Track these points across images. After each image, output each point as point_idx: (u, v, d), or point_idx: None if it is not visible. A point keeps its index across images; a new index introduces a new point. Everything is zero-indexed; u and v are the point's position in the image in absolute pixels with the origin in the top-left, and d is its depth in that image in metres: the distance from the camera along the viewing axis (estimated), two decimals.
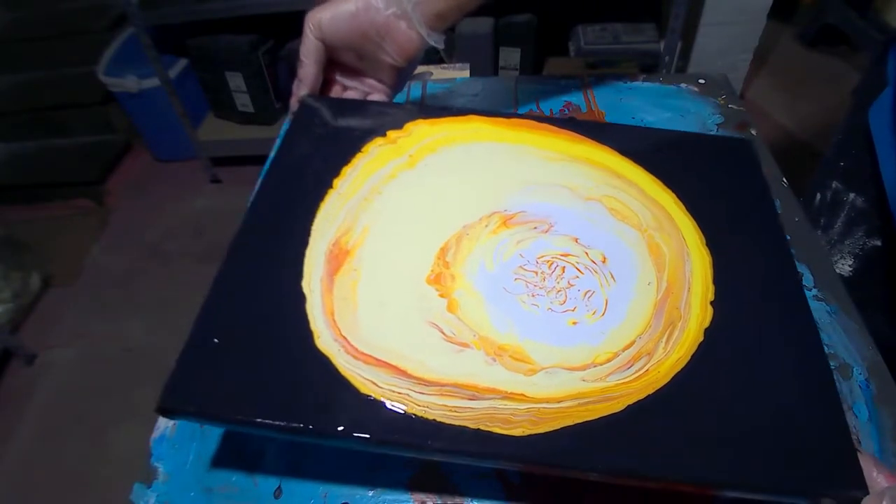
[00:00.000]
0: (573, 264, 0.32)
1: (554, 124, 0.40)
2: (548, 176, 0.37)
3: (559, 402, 0.27)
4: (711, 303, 0.30)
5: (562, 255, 0.33)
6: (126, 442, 1.06)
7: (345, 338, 0.29)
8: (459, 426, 0.26)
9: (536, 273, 0.32)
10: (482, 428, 0.26)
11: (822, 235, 0.54)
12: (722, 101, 0.53)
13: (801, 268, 0.39)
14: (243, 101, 1.51)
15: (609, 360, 0.28)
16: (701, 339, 0.29)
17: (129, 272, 1.40)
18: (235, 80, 1.45)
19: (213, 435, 0.33)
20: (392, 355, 0.28)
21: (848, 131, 0.53)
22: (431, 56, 0.44)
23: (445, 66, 0.64)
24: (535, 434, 0.25)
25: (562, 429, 0.26)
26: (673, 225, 0.34)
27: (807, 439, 0.25)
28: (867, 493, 0.23)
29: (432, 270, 0.32)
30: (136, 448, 0.74)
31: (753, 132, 0.49)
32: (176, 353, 0.28)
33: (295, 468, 0.31)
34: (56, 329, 1.29)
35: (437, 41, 0.41)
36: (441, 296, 0.31)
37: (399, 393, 0.27)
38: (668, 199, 0.36)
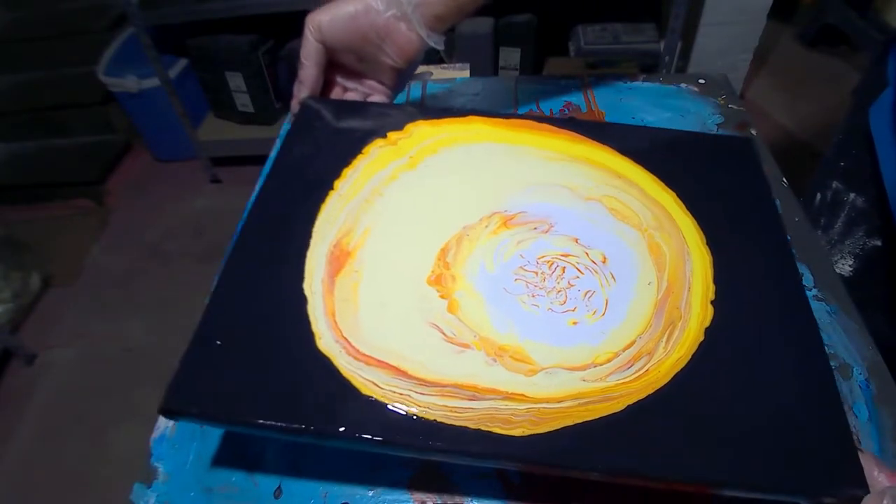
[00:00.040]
0: (573, 264, 0.32)
1: (554, 124, 0.40)
2: (548, 176, 0.37)
3: (559, 402, 0.27)
4: (712, 302, 0.30)
5: (562, 256, 0.33)
6: (126, 442, 1.06)
7: (346, 339, 0.29)
8: (460, 426, 0.26)
9: (537, 273, 0.32)
10: (483, 428, 0.26)
11: (822, 235, 0.54)
12: (722, 101, 0.53)
13: (801, 268, 0.39)
14: (243, 101, 1.51)
15: (609, 360, 0.28)
16: (701, 338, 0.29)
17: (129, 272, 1.41)
18: (235, 80, 1.45)
19: (213, 435, 0.33)
20: (393, 356, 0.28)
21: (848, 131, 0.53)
22: (431, 56, 0.44)
23: (445, 66, 0.64)
24: (536, 434, 0.25)
25: (562, 429, 0.26)
26: (673, 224, 0.34)
27: (807, 438, 0.25)
28: (868, 492, 0.23)
29: (433, 271, 0.32)
30: (136, 448, 0.74)
31: (753, 132, 0.49)
32: (176, 353, 0.28)
33: (295, 468, 0.31)
34: (56, 329, 1.29)
35: (436, 42, 0.41)
36: (442, 297, 0.31)
37: (400, 394, 0.27)
38: (668, 199, 0.36)
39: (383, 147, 0.38)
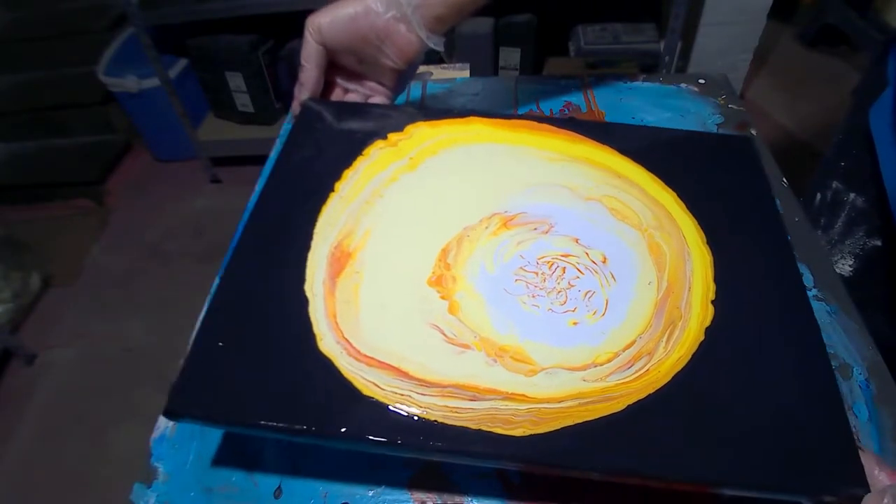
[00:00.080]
0: (573, 265, 0.32)
1: (554, 124, 0.40)
2: (548, 176, 0.37)
3: (560, 402, 0.27)
4: (712, 302, 0.30)
5: (562, 256, 0.33)
6: (126, 442, 1.06)
7: (347, 340, 0.29)
8: (461, 427, 0.26)
9: (537, 274, 0.32)
10: (483, 428, 0.26)
11: (822, 235, 0.54)
12: (722, 101, 0.53)
13: (801, 268, 0.39)
14: (243, 101, 1.51)
15: (609, 360, 0.28)
16: (702, 338, 0.29)
17: (129, 272, 1.41)
18: (235, 80, 1.45)
19: (213, 435, 0.33)
20: (394, 357, 0.28)
21: (848, 131, 0.53)
22: (431, 56, 0.44)
23: (445, 66, 0.64)
24: (536, 434, 0.26)
25: (562, 429, 0.26)
26: (673, 224, 0.34)
27: (808, 437, 0.25)
28: (868, 490, 0.23)
29: (433, 272, 0.32)
30: (136, 448, 0.74)
31: (753, 132, 0.49)
32: (176, 353, 0.28)
33: (295, 468, 0.31)
34: (56, 329, 1.29)
35: (436, 44, 0.41)
36: (442, 298, 0.31)
37: (401, 394, 0.27)
38: (668, 198, 0.36)
39: (384, 148, 0.38)
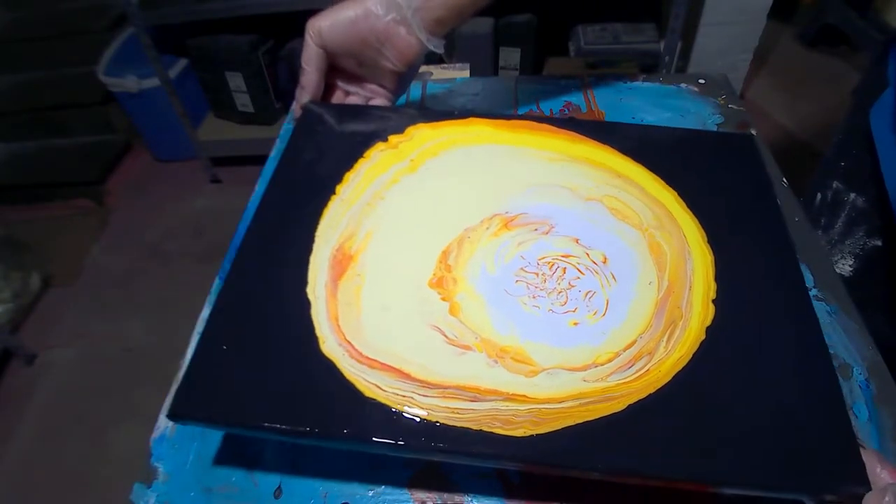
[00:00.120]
0: (574, 265, 0.32)
1: (554, 124, 0.40)
2: (548, 177, 0.37)
3: (560, 402, 0.27)
4: (713, 301, 0.30)
5: (563, 257, 0.33)
6: (126, 442, 1.06)
7: (349, 342, 0.29)
8: (462, 427, 0.26)
9: (537, 275, 0.32)
10: (484, 429, 0.26)
11: (822, 235, 0.54)
12: (722, 101, 0.53)
13: (802, 268, 0.39)
14: (243, 101, 1.51)
15: (610, 360, 0.28)
16: (702, 337, 0.29)
17: (129, 272, 1.41)
18: (235, 80, 1.45)
19: (213, 435, 0.33)
20: (395, 359, 0.28)
21: (848, 131, 0.53)
22: (431, 56, 0.44)
23: (445, 66, 0.64)
24: (537, 434, 0.26)
25: (563, 429, 0.26)
26: (674, 223, 0.34)
27: (809, 436, 0.25)
28: (869, 489, 0.23)
29: (434, 274, 0.32)
30: (136, 448, 0.74)
31: (753, 132, 0.49)
32: (176, 353, 0.28)
33: (295, 468, 0.31)
34: (56, 329, 1.29)
35: (436, 46, 0.41)
36: (443, 299, 0.31)
37: (403, 396, 0.27)
38: (669, 198, 0.36)
39: (384, 150, 0.38)
